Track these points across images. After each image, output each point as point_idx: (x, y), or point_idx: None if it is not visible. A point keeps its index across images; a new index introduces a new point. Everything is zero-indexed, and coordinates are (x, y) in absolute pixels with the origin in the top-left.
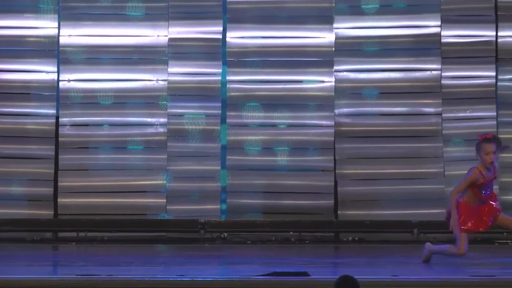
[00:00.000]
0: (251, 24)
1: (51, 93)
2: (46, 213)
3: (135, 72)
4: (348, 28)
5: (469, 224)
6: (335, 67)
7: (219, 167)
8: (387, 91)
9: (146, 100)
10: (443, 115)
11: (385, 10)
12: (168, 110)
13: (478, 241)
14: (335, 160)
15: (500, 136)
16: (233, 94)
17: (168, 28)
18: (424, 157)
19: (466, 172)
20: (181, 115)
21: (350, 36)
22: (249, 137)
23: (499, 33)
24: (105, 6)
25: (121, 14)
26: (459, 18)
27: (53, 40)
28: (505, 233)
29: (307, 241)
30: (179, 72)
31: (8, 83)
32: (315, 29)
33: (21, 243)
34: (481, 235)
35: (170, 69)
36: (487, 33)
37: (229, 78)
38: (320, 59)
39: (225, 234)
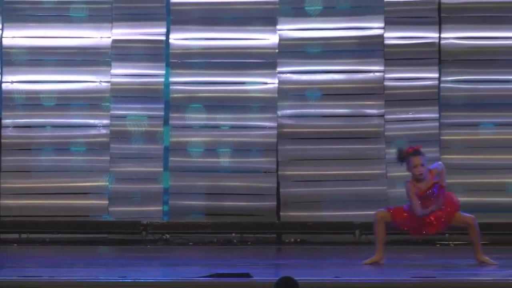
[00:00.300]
0: (195, 25)
1: None
2: None
3: (78, 74)
4: (291, 29)
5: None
6: (278, 69)
7: (162, 169)
8: (330, 93)
9: (89, 101)
10: (385, 116)
11: (329, 11)
12: (111, 112)
13: (420, 243)
14: (277, 161)
15: (442, 137)
16: (176, 95)
17: (111, 29)
18: (367, 159)
19: (407, 174)
20: (124, 117)
21: (293, 38)
22: (192, 139)
23: (442, 35)
24: (49, 7)
25: (64, 15)
26: (402, 20)
27: None
28: (446, 234)
29: (249, 243)
30: (122, 73)
31: None
32: (259, 30)
33: None
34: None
35: (113, 71)
36: (430, 35)
37: (172, 79)
38: (263, 60)
39: (167, 236)
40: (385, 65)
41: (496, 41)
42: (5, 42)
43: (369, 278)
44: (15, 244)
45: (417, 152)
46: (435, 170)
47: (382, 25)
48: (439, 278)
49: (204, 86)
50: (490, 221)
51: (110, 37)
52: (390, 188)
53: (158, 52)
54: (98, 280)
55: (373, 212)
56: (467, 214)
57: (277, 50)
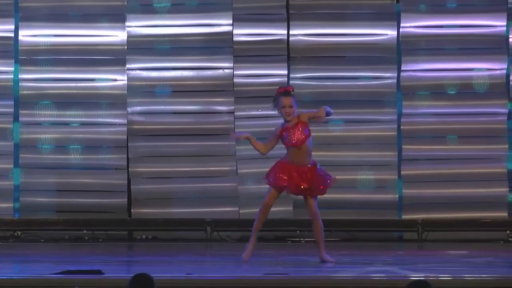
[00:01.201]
0: (43, 22)
1: None
2: None
3: None
4: (140, 26)
5: (272, 179)
6: (128, 66)
7: (12, 166)
8: (180, 90)
9: None
10: (235, 113)
11: (177, 8)
12: None
13: (272, 239)
14: (128, 158)
15: None
16: (25, 92)
17: None
18: (217, 155)
19: (258, 171)
20: None
21: (142, 35)
22: (42, 136)
23: (291, 32)
24: None
25: None
26: (251, 17)
27: None
28: (298, 231)
29: (101, 239)
30: None
31: None
32: (107, 27)
33: None
34: (274, 233)
35: None
36: (279, 32)
37: (21, 76)
38: (112, 57)
39: (19, 233)
40: (234, 61)
41: (343, 38)
42: None
43: (221, 275)
44: None
45: (287, 93)
46: (309, 114)
47: (230, 21)
48: (292, 275)
49: (54, 83)
50: (342, 218)
51: None
52: (240, 184)
53: (7, 49)
54: None
55: (224, 209)
56: (316, 209)
57: (126, 47)
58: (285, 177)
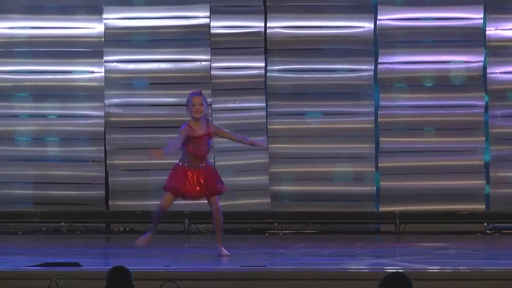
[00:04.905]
0: (20, 14)
1: None
2: None
3: None
4: (117, 18)
5: (175, 184)
6: (105, 58)
7: None
8: (157, 82)
9: None
10: (213, 105)
11: (155, 0)
12: None
13: (249, 232)
14: (105, 150)
15: (270, 127)
16: (2, 84)
17: None
18: None
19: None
20: None
21: (119, 27)
22: (19, 128)
23: (268, 24)
24: None
25: None
26: (228, 9)
27: None
28: (275, 224)
29: (78, 232)
30: None
31: None
32: (85, 19)
33: None
34: (251, 225)
35: None
36: (256, 24)
37: None
38: (89, 49)
39: None
40: (212, 54)
41: (321, 31)
42: None
43: (199, 267)
44: None
45: (198, 94)
46: (216, 127)
47: (207, 14)
48: (269, 267)
49: (31, 75)
50: (319, 210)
51: None
52: None
53: None
54: None
55: (201, 201)
56: (219, 205)
57: (103, 39)
58: (183, 184)
